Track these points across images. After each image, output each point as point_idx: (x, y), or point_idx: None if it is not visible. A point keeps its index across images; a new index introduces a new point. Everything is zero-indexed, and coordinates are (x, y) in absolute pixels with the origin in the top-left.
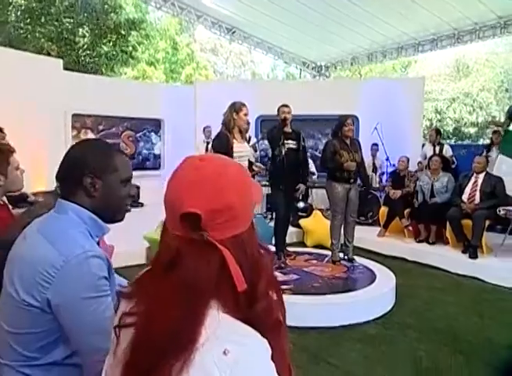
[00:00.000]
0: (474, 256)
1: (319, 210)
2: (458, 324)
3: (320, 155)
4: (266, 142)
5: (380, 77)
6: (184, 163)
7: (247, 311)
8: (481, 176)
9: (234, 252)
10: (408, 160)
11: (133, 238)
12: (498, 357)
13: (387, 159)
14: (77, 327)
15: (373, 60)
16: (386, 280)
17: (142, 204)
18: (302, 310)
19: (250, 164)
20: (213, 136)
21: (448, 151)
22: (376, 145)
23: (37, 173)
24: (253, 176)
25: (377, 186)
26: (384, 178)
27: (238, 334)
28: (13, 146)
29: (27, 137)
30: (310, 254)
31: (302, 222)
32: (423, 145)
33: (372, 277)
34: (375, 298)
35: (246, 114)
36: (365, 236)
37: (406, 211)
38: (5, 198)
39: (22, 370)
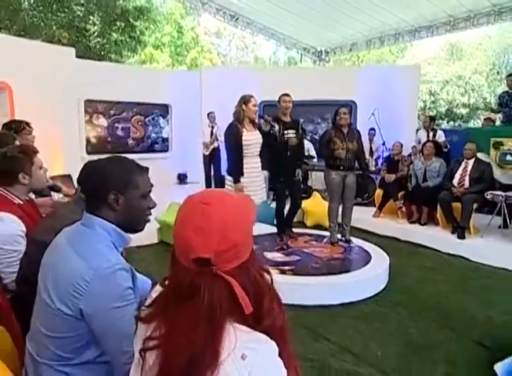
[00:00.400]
0: (462, 237)
1: (318, 191)
2: (447, 302)
3: (318, 139)
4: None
5: (377, 64)
6: (189, 205)
7: (256, 326)
8: (471, 162)
9: (240, 279)
10: (402, 145)
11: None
12: (482, 334)
13: (383, 143)
14: (107, 333)
15: (371, 46)
16: (380, 261)
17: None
18: (303, 290)
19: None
20: (217, 121)
21: (441, 136)
22: (373, 129)
23: (54, 157)
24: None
25: (373, 168)
26: (380, 161)
27: (252, 341)
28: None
29: (43, 123)
30: (310, 235)
31: (302, 203)
32: (418, 130)
33: (367, 258)
34: (370, 279)
35: (254, 105)
36: (362, 216)
37: (400, 194)
38: (31, 194)
39: (61, 369)
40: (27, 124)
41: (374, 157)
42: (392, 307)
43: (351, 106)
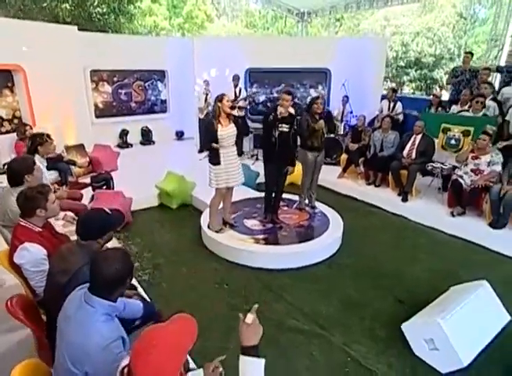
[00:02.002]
0: (405, 200)
1: None
2: (383, 261)
3: (297, 102)
4: (254, 89)
5: (349, 36)
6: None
7: None
8: (419, 137)
9: None
10: (365, 118)
11: (148, 175)
12: (402, 291)
13: (351, 112)
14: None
15: (348, 10)
16: (336, 227)
17: (154, 142)
18: (272, 257)
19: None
20: (211, 89)
21: (399, 108)
22: (346, 97)
23: (67, 123)
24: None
25: (342, 132)
26: (347, 127)
27: None
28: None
29: (56, 96)
30: (283, 200)
31: None
32: (383, 99)
33: (326, 224)
34: (326, 245)
35: (228, 100)
36: (329, 177)
37: (360, 160)
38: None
39: None
40: (48, 136)
41: (343, 123)
42: (339, 269)
43: (326, 73)
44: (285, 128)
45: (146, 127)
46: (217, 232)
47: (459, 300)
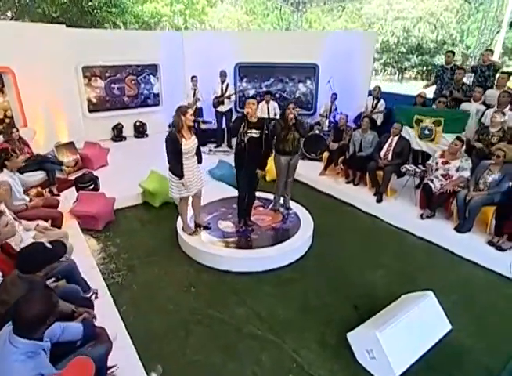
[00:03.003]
0: (379, 200)
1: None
2: (347, 264)
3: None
4: (245, 84)
5: (338, 30)
6: None
7: None
8: (395, 139)
9: None
10: (347, 116)
11: (137, 170)
12: (358, 296)
13: (336, 109)
14: None
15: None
16: (305, 231)
17: (147, 135)
18: (238, 260)
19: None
20: (199, 84)
21: (381, 106)
22: (335, 94)
23: (58, 120)
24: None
25: (327, 129)
26: (332, 124)
27: None
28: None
29: (47, 94)
30: (259, 199)
31: None
32: (369, 95)
33: (297, 227)
34: (292, 249)
35: (191, 115)
36: (311, 174)
37: (340, 159)
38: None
39: None
40: (13, 150)
41: (328, 120)
42: (303, 272)
43: (314, 68)
44: (254, 133)
45: (139, 121)
46: (190, 235)
47: (402, 311)
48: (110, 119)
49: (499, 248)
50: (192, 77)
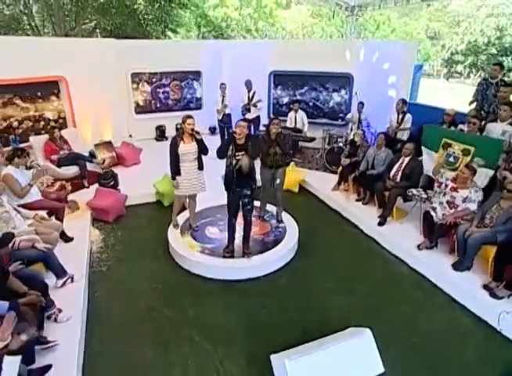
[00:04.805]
0: (381, 223)
1: (295, 161)
2: (318, 287)
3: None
4: (279, 91)
5: (376, 40)
6: None
7: None
8: (407, 159)
9: None
10: (364, 132)
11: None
12: (314, 320)
13: (366, 119)
14: None
15: (398, 4)
16: (284, 247)
17: None
18: (210, 267)
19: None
20: (227, 91)
21: (407, 121)
22: (361, 103)
23: (105, 122)
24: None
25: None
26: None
27: None
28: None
29: (95, 99)
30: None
31: None
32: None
33: (279, 241)
34: (266, 263)
35: (189, 123)
36: (324, 187)
37: (350, 177)
38: None
39: None
40: (28, 154)
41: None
42: (270, 287)
43: (348, 78)
44: (241, 155)
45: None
46: (174, 226)
47: (328, 344)
48: (155, 120)
49: (494, 295)
50: (221, 84)
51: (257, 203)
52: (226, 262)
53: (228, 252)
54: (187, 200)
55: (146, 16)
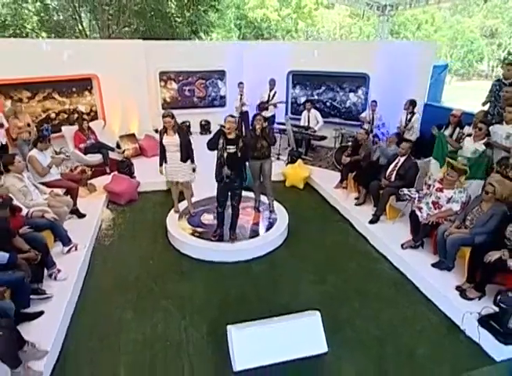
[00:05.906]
0: (372, 221)
1: (304, 159)
2: (292, 275)
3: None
4: (297, 91)
5: (393, 40)
6: None
7: None
8: (402, 159)
9: None
10: (366, 131)
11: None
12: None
13: (383, 124)
14: None
15: (429, 2)
16: (268, 236)
17: (211, 132)
18: (196, 248)
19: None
20: (245, 90)
21: (414, 122)
22: (374, 101)
23: (132, 116)
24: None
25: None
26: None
27: None
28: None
29: (123, 94)
30: (249, 200)
31: (284, 169)
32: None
33: (265, 230)
34: (248, 249)
35: (166, 122)
36: (327, 184)
37: (350, 176)
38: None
39: None
40: (45, 139)
41: (373, 127)
42: (248, 272)
43: (365, 78)
44: (231, 149)
45: (205, 119)
46: (175, 212)
47: (277, 321)
48: (179, 116)
49: (464, 296)
50: (239, 83)
51: (252, 195)
52: (212, 244)
53: (216, 236)
54: (179, 186)
55: (176, 19)
